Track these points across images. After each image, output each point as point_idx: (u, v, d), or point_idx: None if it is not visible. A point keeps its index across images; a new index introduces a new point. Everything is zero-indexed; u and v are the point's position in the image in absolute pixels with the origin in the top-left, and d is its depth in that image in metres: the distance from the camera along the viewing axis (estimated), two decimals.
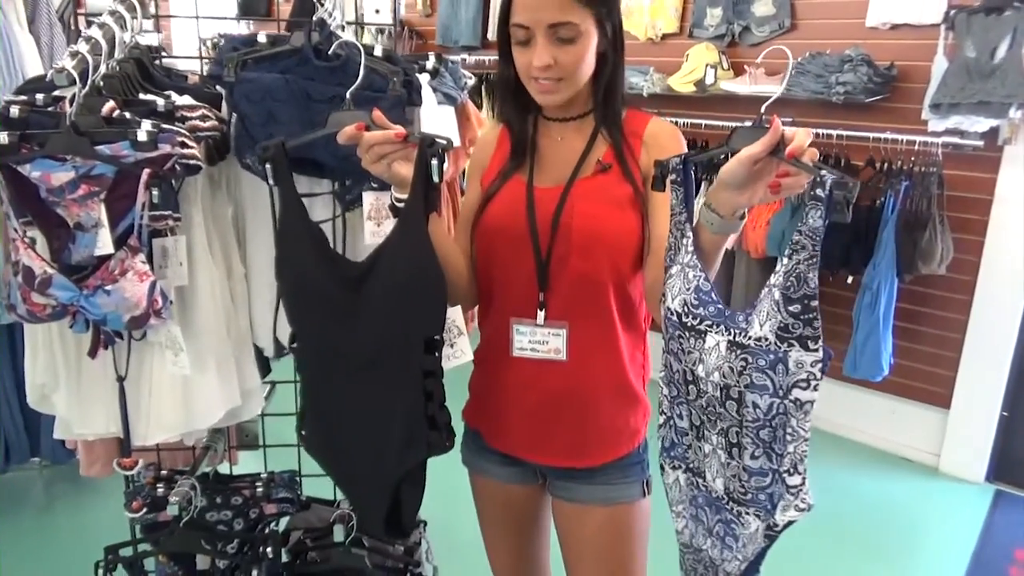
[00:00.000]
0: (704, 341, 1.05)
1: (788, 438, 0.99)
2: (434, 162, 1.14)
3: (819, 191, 0.92)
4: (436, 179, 1.16)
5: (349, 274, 1.25)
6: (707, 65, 3.56)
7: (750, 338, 0.99)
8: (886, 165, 3.15)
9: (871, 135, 3.17)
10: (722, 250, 1.12)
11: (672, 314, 1.09)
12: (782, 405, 0.98)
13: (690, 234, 1.09)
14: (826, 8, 3.41)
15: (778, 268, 0.97)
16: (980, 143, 2.99)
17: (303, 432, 1.37)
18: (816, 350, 0.95)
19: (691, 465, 1.14)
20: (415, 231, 1.19)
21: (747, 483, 1.05)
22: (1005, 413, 3.20)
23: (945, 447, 3.32)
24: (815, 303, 0.95)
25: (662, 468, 1.19)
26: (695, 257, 1.08)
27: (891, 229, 3.04)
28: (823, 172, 0.93)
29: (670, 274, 1.11)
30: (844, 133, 3.23)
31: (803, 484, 1.01)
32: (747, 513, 1.06)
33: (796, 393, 0.97)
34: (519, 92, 1.29)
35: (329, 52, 1.44)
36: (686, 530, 1.18)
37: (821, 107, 3.32)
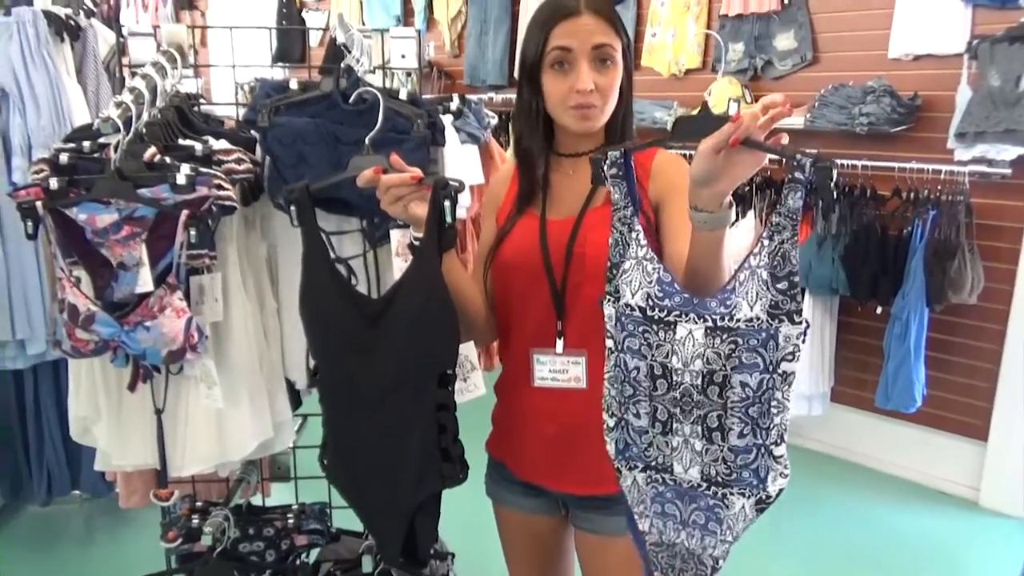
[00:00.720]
0: (674, 332, 1.05)
1: (774, 411, 1.03)
2: (447, 203, 1.20)
3: (797, 174, 0.96)
4: (449, 219, 1.21)
5: (367, 310, 1.30)
6: (730, 99, 3.59)
7: (738, 320, 1.01)
8: (913, 194, 3.14)
9: (897, 165, 3.17)
10: (724, 248, 1.09)
11: (633, 310, 1.09)
12: (771, 380, 1.01)
13: (638, 227, 1.10)
14: (848, 41, 3.44)
15: (757, 250, 1.00)
16: (1008, 171, 2.98)
17: (324, 461, 1.42)
18: (800, 322, 0.99)
19: (652, 463, 1.14)
20: (428, 269, 1.23)
21: (732, 463, 1.06)
22: None
23: (984, 481, 3.25)
24: (797, 278, 1.00)
25: (618, 471, 1.19)
26: (650, 250, 1.09)
27: (919, 258, 3.03)
28: (798, 156, 0.96)
29: (623, 270, 1.11)
30: (869, 163, 3.23)
31: (786, 453, 1.06)
32: (731, 493, 1.08)
33: (784, 366, 1.01)
34: (544, 124, 1.33)
35: (351, 99, 1.50)
36: (653, 529, 1.18)
37: (846, 138, 3.33)
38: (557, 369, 1.32)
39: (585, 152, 1.34)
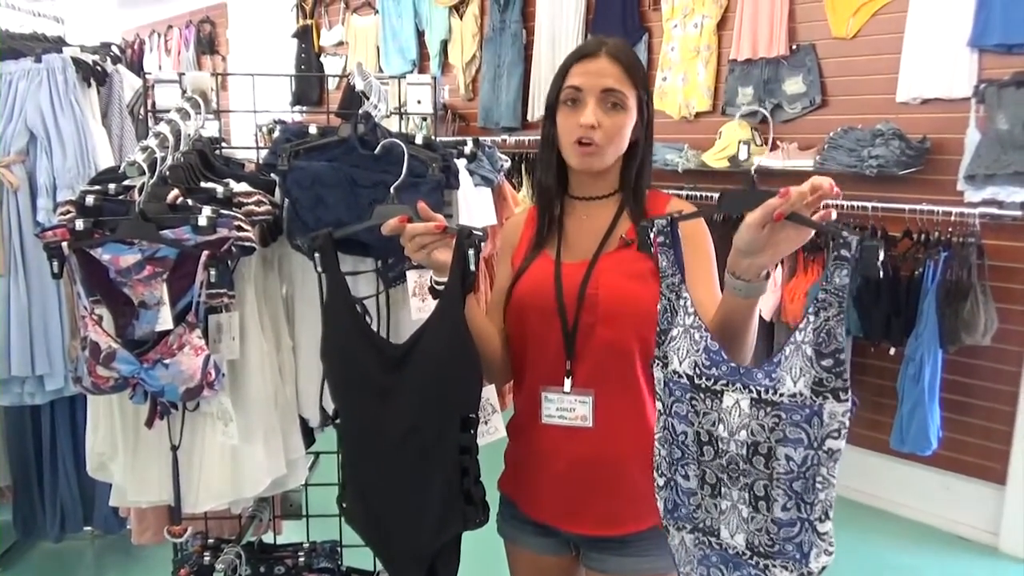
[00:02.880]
0: (721, 401, 1.07)
1: (819, 487, 1.02)
2: (471, 252, 1.23)
3: (844, 251, 0.97)
4: (472, 267, 1.24)
5: (390, 355, 1.32)
6: (740, 141, 3.65)
7: (782, 395, 1.02)
8: (924, 236, 3.15)
9: (907, 207, 3.19)
10: (755, 314, 1.14)
11: (680, 376, 1.11)
12: (816, 456, 1.01)
13: (687, 295, 1.13)
14: (856, 84, 3.49)
15: (803, 325, 1.01)
16: (1019, 213, 2.98)
17: (344, 504, 1.43)
18: (846, 400, 0.99)
19: (700, 524, 1.15)
20: (453, 315, 1.27)
21: (775, 535, 1.06)
22: None
23: (1003, 525, 3.19)
24: (843, 356, 1.00)
25: (667, 530, 1.20)
26: (698, 318, 1.11)
27: (932, 300, 3.02)
28: (845, 234, 0.97)
29: (671, 336, 1.13)
30: (880, 205, 3.26)
31: (831, 529, 1.04)
32: (774, 566, 1.07)
33: (829, 443, 1.00)
34: (559, 162, 1.37)
35: (376, 151, 1.53)
36: None
37: (855, 180, 3.36)
38: (564, 407, 1.34)
39: (598, 196, 1.38)
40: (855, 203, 3.29)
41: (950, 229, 3.09)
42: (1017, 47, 3.01)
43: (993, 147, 2.93)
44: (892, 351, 3.24)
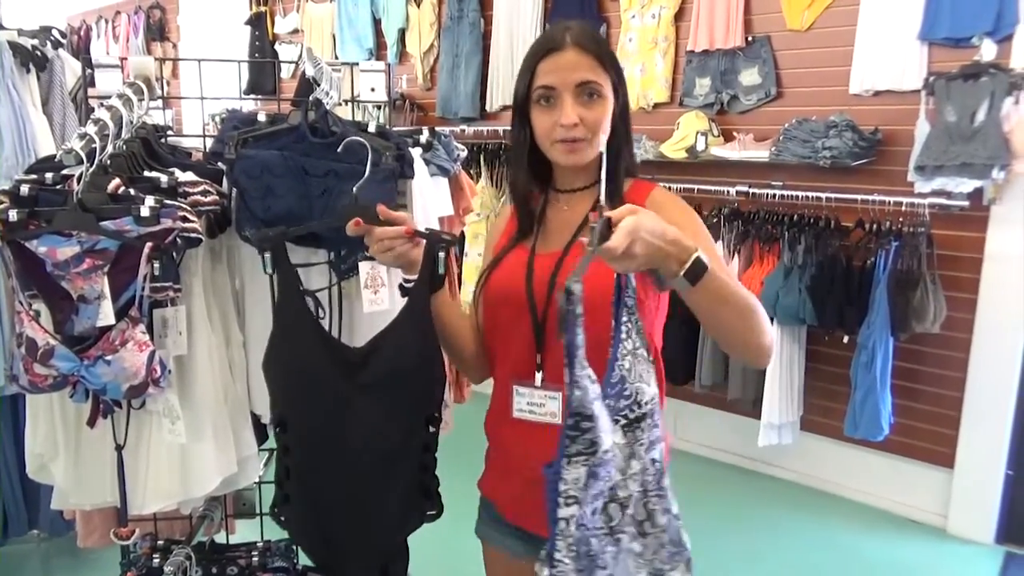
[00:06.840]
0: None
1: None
2: (440, 255, 1.23)
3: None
4: (441, 271, 1.24)
5: (347, 359, 1.30)
6: (697, 132, 3.67)
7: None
8: (875, 226, 3.22)
9: (859, 197, 3.24)
10: (721, 296, 1.12)
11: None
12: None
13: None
14: (810, 76, 3.53)
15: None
16: (966, 203, 3.05)
17: (282, 517, 1.39)
18: None
19: None
20: (421, 319, 1.26)
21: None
22: (1010, 472, 3.16)
23: (952, 508, 3.28)
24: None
25: None
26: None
27: (883, 288, 3.08)
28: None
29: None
30: (833, 196, 3.31)
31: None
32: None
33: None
34: (532, 159, 1.35)
35: (339, 150, 1.48)
36: None
37: (809, 171, 3.40)
38: (535, 402, 1.31)
39: (580, 188, 1.36)
40: (809, 194, 3.35)
41: (901, 219, 3.16)
42: (964, 40, 3.07)
43: (942, 138, 2.99)
44: (846, 339, 3.29)
